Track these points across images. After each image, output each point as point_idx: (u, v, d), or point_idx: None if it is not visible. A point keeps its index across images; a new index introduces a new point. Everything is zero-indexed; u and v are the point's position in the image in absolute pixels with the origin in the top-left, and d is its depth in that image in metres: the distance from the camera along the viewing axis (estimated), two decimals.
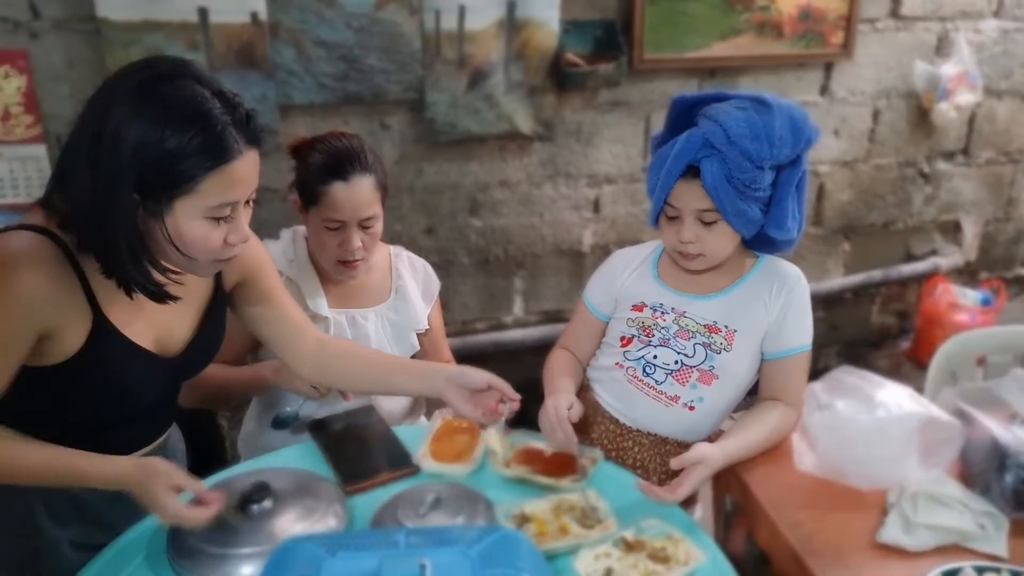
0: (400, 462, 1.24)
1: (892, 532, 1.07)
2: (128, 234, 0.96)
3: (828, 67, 2.58)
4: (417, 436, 1.31)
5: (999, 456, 1.12)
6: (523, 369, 2.46)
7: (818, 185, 2.73)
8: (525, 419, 1.31)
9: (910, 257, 2.99)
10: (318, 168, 1.43)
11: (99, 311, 1.04)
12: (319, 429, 1.35)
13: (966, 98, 2.63)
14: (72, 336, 1.02)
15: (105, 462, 1.05)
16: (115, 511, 1.14)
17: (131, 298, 1.03)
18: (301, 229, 1.57)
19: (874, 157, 2.77)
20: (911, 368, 2.92)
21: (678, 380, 1.33)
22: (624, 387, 1.37)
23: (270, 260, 1.29)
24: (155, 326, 1.12)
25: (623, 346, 1.39)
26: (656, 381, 1.34)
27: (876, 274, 2.92)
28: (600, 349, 1.46)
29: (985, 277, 3.11)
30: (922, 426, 1.15)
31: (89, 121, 0.95)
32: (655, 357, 1.35)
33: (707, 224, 1.28)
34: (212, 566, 1.01)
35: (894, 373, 2.67)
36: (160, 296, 1.03)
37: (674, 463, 1.15)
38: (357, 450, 1.29)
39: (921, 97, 2.67)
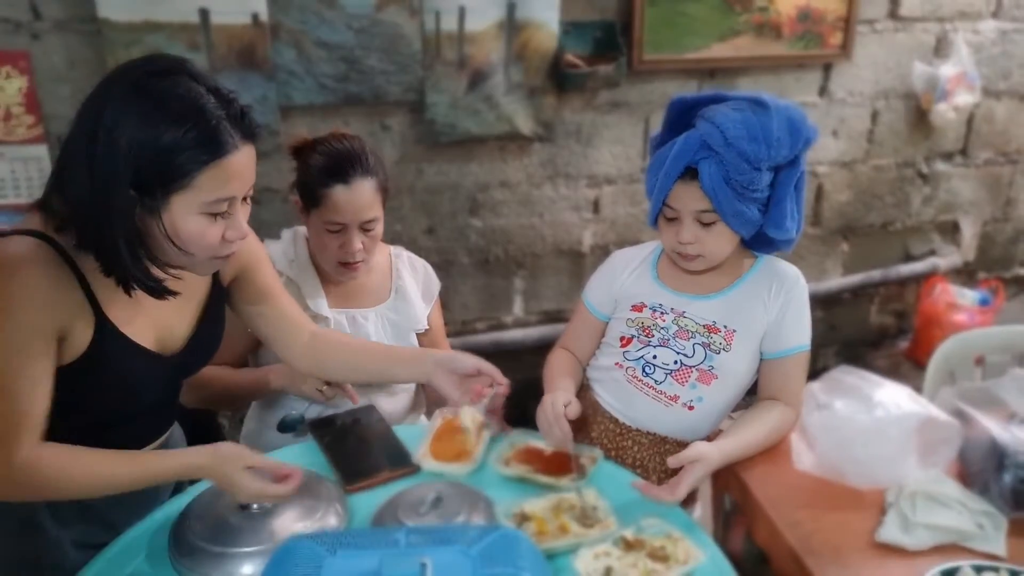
0: (400, 461, 1.25)
1: (891, 531, 1.07)
2: (126, 231, 0.96)
3: (827, 68, 2.58)
4: (417, 435, 1.31)
5: (997, 456, 1.12)
6: (523, 369, 2.46)
7: (817, 186, 2.74)
8: (525, 419, 1.31)
9: (909, 257, 3.00)
10: (319, 170, 1.43)
11: (100, 312, 1.04)
12: (320, 428, 1.35)
13: (964, 99, 2.64)
14: (78, 338, 1.03)
15: (175, 458, 1.08)
16: (118, 511, 1.14)
17: (130, 296, 1.03)
18: (302, 229, 1.57)
19: (873, 158, 2.77)
20: (910, 368, 2.92)
21: (677, 380, 1.34)
22: (624, 387, 1.38)
23: (266, 256, 1.30)
24: (155, 325, 1.13)
25: (623, 346, 1.39)
26: (655, 381, 1.35)
27: (875, 274, 2.93)
28: (600, 349, 1.46)
29: (983, 277, 3.11)
30: (921, 426, 1.15)
31: (85, 120, 0.96)
32: (655, 357, 1.36)
33: (706, 225, 1.28)
34: (213, 565, 1.01)
35: (893, 373, 2.66)
36: (159, 292, 1.03)
37: (671, 461, 1.16)
38: (358, 449, 1.30)
39: (920, 98, 2.68)
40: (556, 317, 2.57)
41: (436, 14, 2.10)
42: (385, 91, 2.15)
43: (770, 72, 2.51)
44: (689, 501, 1.31)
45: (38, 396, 1.00)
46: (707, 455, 1.16)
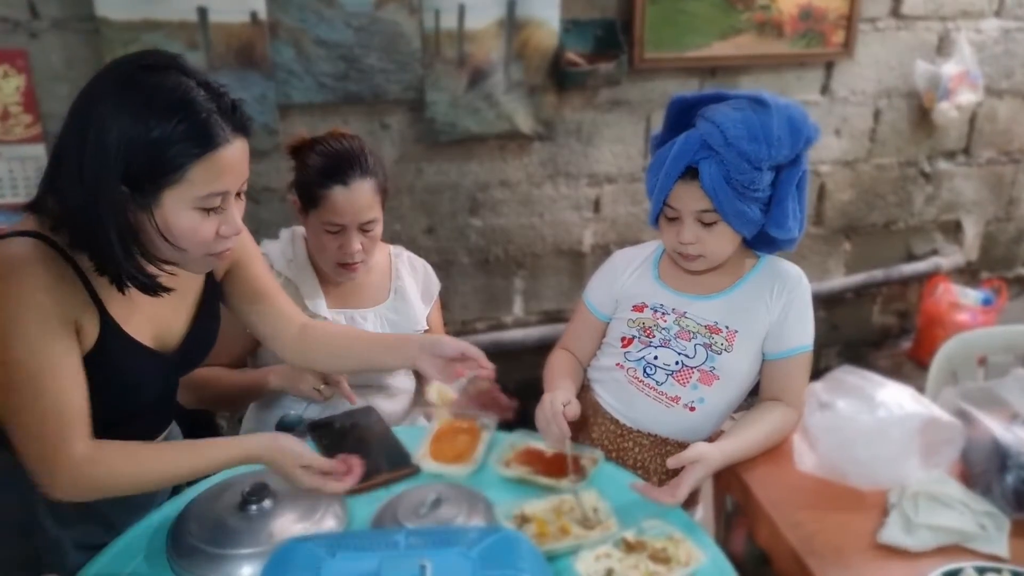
0: (400, 462, 1.24)
1: (893, 532, 1.07)
2: (118, 227, 0.96)
3: (829, 66, 2.57)
4: (417, 436, 1.31)
5: (1000, 456, 1.12)
6: (523, 369, 2.46)
7: (819, 185, 2.73)
8: (525, 419, 1.31)
9: (911, 257, 2.99)
10: (318, 171, 1.42)
11: (103, 309, 1.04)
12: (319, 430, 1.35)
13: (967, 98, 2.63)
14: (87, 335, 1.03)
15: (232, 447, 1.09)
16: (119, 511, 1.14)
17: (123, 293, 1.03)
18: (300, 229, 1.57)
19: (875, 157, 2.76)
20: (912, 368, 2.91)
21: (679, 381, 1.33)
22: (625, 388, 1.37)
23: (258, 251, 1.29)
24: (152, 322, 1.12)
25: (624, 347, 1.39)
26: (657, 382, 1.34)
27: (877, 274, 2.92)
28: (601, 349, 1.46)
29: (986, 277, 3.10)
30: (923, 426, 1.15)
31: (76, 117, 0.96)
32: (656, 358, 1.35)
33: (707, 225, 1.27)
34: (212, 566, 1.01)
35: (895, 373, 2.66)
36: (153, 288, 1.02)
37: (671, 462, 1.15)
38: (357, 451, 1.28)
39: (922, 97, 2.67)
40: (556, 317, 2.56)
41: (436, 12, 2.09)
42: (384, 90, 2.14)
43: (772, 71, 2.50)
44: (690, 502, 1.31)
45: (75, 389, 1.00)
46: (707, 455, 1.15)
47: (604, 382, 1.41)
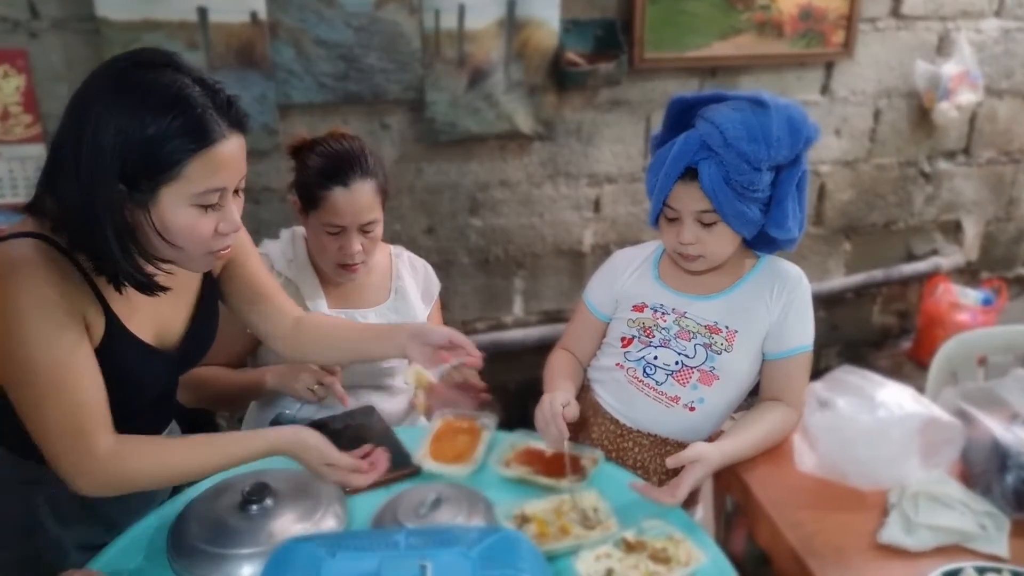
0: (400, 462, 1.24)
1: (893, 532, 1.07)
2: (116, 226, 0.95)
3: (829, 66, 2.57)
4: (417, 436, 1.31)
5: (1000, 456, 1.12)
6: (523, 369, 2.46)
7: (819, 185, 2.73)
8: (524, 420, 1.31)
9: (911, 257, 2.99)
10: (318, 172, 1.42)
11: (108, 307, 1.04)
12: (319, 430, 1.34)
13: (967, 98, 2.63)
14: (94, 332, 1.03)
15: (257, 441, 1.10)
16: (120, 510, 1.14)
17: (120, 293, 1.03)
18: (300, 230, 1.57)
19: (875, 157, 2.76)
20: (912, 368, 2.91)
21: (679, 381, 1.33)
22: (624, 388, 1.37)
23: (253, 246, 1.29)
24: (153, 321, 1.12)
25: (624, 347, 1.39)
26: (657, 382, 1.34)
27: (877, 274, 2.92)
28: (601, 349, 1.46)
29: (986, 277, 3.10)
30: (923, 426, 1.15)
31: (72, 116, 0.95)
32: (656, 358, 1.35)
33: (707, 225, 1.27)
34: (212, 566, 1.01)
35: (895, 373, 2.66)
36: (149, 288, 1.02)
37: (670, 461, 1.15)
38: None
39: (922, 97, 2.67)
40: (556, 317, 2.56)
41: (436, 12, 2.09)
42: (384, 90, 2.14)
43: (772, 71, 2.50)
44: (691, 502, 1.31)
45: (92, 382, 1.01)
46: (706, 455, 1.15)
47: (604, 382, 1.41)
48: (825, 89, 2.60)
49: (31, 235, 0.98)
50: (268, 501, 1.08)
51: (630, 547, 1.05)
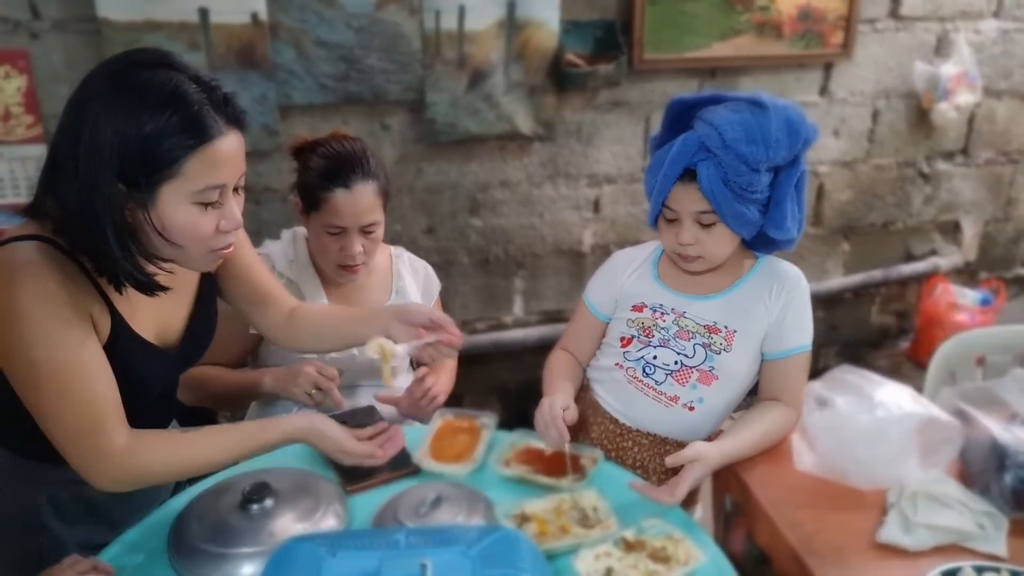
0: (400, 462, 1.24)
1: (892, 532, 1.07)
2: (116, 226, 0.95)
3: (828, 67, 2.57)
4: (417, 436, 1.31)
5: (998, 456, 1.12)
6: (523, 369, 2.47)
7: (817, 185, 2.73)
8: (524, 420, 1.31)
9: (910, 257, 2.99)
10: (320, 174, 1.42)
11: (112, 306, 1.04)
12: None
13: (965, 98, 2.63)
14: (101, 331, 1.03)
15: (273, 430, 1.12)
16: (123, 509, 1.14)
17: (120, 293, 1.03)
18: (301, 230, 1.57)
19: (873, 157, 2.77)
20: (910, 368, 2.91)
21: (678, 381, 1.33)
22: (624, 387, 1.37)
23: (247, 238, 1.29)
24: (155, 320, 1.13)
25: (623, 346, 1.39)
26: (656, 382, 1.34)
27: (876, 274, 2.92)
28: (600, 349, 1.46)
29: (984, 277, 3.10)
30: (922, 426, 1.15)
31: (69, 118, 0.96)
32: (655, 358, 1.35)
33: (705, 226, 1.28)
34: (212, 566, 1.01)
35: (894, 373, 2.66)
36: (150, 287, 1.02)
37: (669, 461, 1.16)
38: None
39: (921, 97, 2.67)
40: (556, 317, 2.56)
41: (436, 13, 2.10)
42: (385, 90, 2.14)
43: (771, 71, 2.50)
44: (690, 502, 1.31)
45: (103, 378, 1.01)
46: (705, 454, 1.15)
47: (603, 382, 1.42)
48: (824, 90, 2.61)
49: (33, 238, 0.98)
50: (269, 500, 1.08)
51: (629, 546, 1.05)
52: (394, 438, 1.19)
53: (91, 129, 0.93)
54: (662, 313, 1.37)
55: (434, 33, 2.12)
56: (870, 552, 1.06)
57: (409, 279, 1.62)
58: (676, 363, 1.34)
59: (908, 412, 1.16)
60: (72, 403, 0.99)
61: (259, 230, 1.95)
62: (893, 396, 1.19)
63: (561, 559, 1.04)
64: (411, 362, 1.72)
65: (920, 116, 2.73)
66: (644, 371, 1.36)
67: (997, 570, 1.00)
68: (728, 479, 1.26)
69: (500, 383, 2.55)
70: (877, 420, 1.15)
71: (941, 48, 2.67)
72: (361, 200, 1.42)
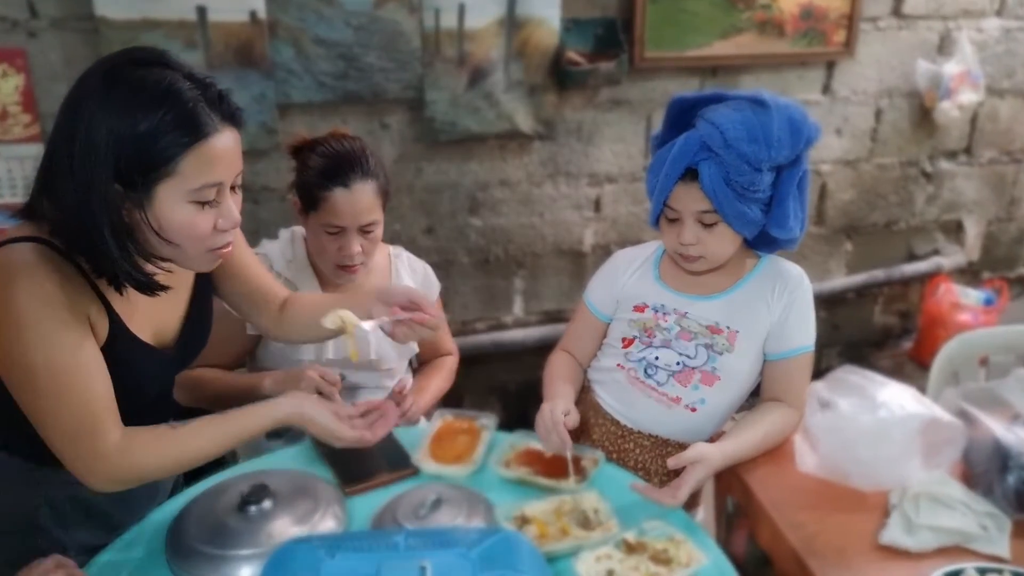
0: (400, 463, 1.24)
1: (894, 533, 1.07)
2: (112, 226, 0.95)
3: (830, 66, 2.57)
4: (417, 437, 1.30)
5: (1001, 457, 1.12)
6: (523, 369, 2.46)
7: (820, 184, 2.72)
8: (525, 421, 1.30)
9: (912, 257, 2.98)
10: (319, 173, 1.42)
11: (110, 307, 1.04)
12: None
13: (968, 97, 2.62)
14: (99, 332, 1.03)
15: (263, 416, 1.12)
16: (121, 510, 1.14)
17: (121, 294, 1.02)
18: (300, 230, 1.56)
19: (876, 156, 2.76)
20: (913, 368, 2.91)
21: (680, 381, 1.32)
22: (625, 388, 1.37)
23: (242, 236, 1.28)
24: (151, 320, 1.12)
25: (624, 347, 1.38)
26: (658, 382, 1.34)
27: (878, 274, 2.92)
28: (601, 350, 1.45)
29: (988, 277, 3.10)
30: (924, 427, 1.14)
31: (65, 118, 0.95)
32: (657, 358, 1.34)
33: (707, 226, 1.27)
34: (211, 567, 1.01)
35: (896, 373, 2.66)
36: (149, 287, 1.02)
37: (671, 462, 1.15)
38: (356, 451, 1.28)
39: (923, 96, 2.66)
40: (556, 317, 2.56)
41: (436, 11, 2.09)
42: (384, 89, 2.14)
43: (773, 70, 2.50)
44: (691, 503, 1.31)
45: (100, 379, 1.01)
46: (708, 456, 1.15)
47: (605, 383, 1.41)
48: (826, 89, 2.60)
49: (30, 239, 0.98)
50: (267, 502, 1.08)
51: (631, 548, 1.04)
52: (386, 415, 1.19)
53: (86, 128, 0.92)
54: (664, 314, 1.37)
55: (434, 31, 2.11)
56: (872, 553, 1.05)
57: (408, 279, 1.61)
58: (678, 364, 1.33)
59: (911, 413, 1.15)
60: (69, 405, 0.98)
61: (257, 230, 1.94)
62: (896, 397, 1.18)
63: (562, 561, 1.04)
64: (411, 363, 1.71)
65: (923, 115, 2.72)
66: (646, 372, 1.35)
67: (1000, 572, 1.00)
68: (730, 480, 1.25)
69: (500, 383, 2.55)
70: (879, 421, 1.14)
71: (944, 47, 2.66)
72: (360, 200, 1.42)
